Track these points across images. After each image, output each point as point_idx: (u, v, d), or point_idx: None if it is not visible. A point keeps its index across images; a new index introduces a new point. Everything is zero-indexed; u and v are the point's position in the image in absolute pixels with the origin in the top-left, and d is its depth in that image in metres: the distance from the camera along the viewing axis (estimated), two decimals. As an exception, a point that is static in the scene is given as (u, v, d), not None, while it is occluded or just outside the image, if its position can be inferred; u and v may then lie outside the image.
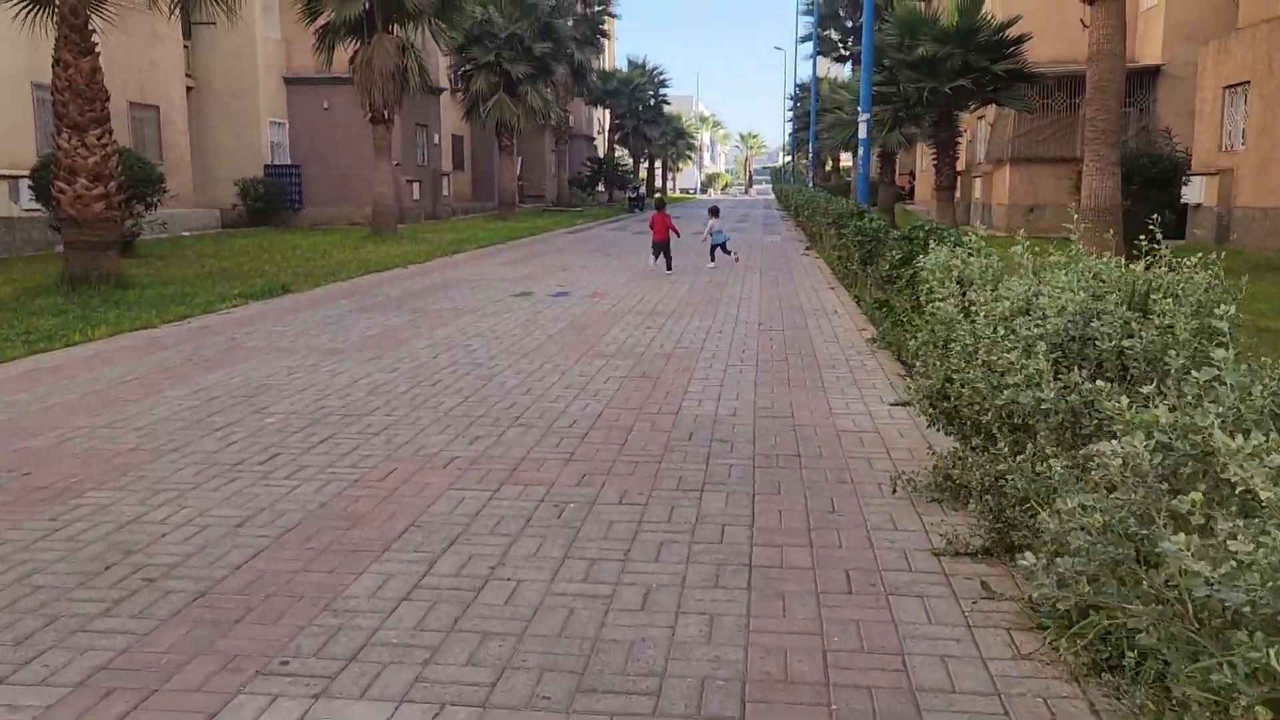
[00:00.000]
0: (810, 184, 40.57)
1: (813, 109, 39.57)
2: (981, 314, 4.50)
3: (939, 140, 21.73)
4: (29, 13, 14.05)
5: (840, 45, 43.52)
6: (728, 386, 7.54)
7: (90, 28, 13.60)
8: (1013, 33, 20.46)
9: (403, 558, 4.15)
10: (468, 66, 35.58)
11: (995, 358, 4.03)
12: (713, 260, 17.32)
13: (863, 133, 17.05)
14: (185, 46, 30.58)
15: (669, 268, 16.46)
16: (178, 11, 15.77)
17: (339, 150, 32.86)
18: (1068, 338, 3.99)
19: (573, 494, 5.00)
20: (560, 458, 5.65)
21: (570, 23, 41.32)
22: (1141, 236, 4.50)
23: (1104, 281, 4.26)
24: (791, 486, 5.10)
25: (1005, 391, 3.89)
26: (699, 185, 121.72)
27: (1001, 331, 4.12)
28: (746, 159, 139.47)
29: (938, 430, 4.96)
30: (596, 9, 48.96)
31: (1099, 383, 3.25)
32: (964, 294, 5.03)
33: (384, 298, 13.30)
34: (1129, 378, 3.77)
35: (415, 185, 34.20)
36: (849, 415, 6.62)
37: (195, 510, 4.76)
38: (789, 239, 26.66)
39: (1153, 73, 26.21)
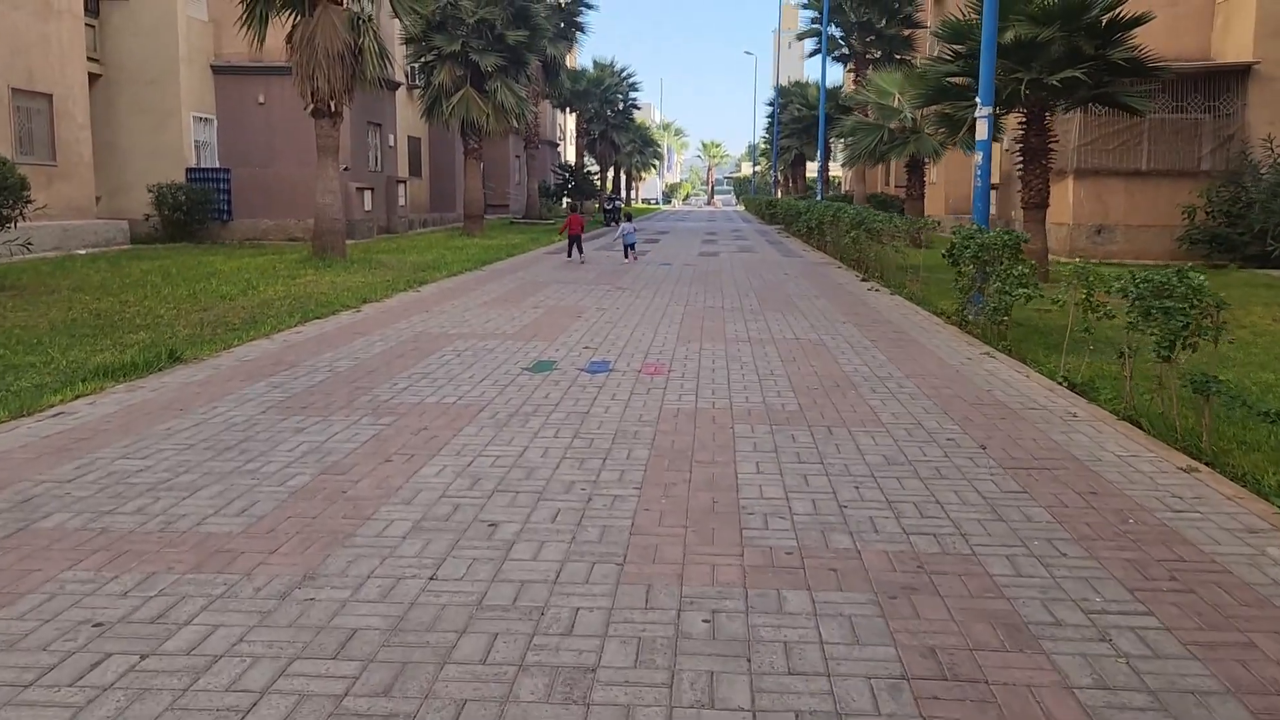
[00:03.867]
0: (820, 196, 36.11)
1: (821, 112, 35.12)
2: None
3: (1028, 148, 17.31)
4: None
5: (841, 42, 39.12)
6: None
7: None
8: (1127, 10, 16.11)
9: None
10: (429, 57, 30.61)
11: None
12: (626, 257, 21.74)
13: (982, 133, 12.58)
14: (90, 25, 25.47)
15: (577, 254, 21.46)
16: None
17: (277, 152, 27.93)
18: None
19: None
20: None
21: (544, 12, 36.56)
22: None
23: None
24: None
25: None
26: (661, 195, 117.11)
27: None
28: (709, 169, 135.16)
29: None
30: (570, -1, 44.27)
31: None
32: None
33: (326, 375, 8.51)
34: None
35: (367, 194, 29.21)
36: None
37: None
38: (815, 263, 22.10)
39: (1240, 73, 22.20)
